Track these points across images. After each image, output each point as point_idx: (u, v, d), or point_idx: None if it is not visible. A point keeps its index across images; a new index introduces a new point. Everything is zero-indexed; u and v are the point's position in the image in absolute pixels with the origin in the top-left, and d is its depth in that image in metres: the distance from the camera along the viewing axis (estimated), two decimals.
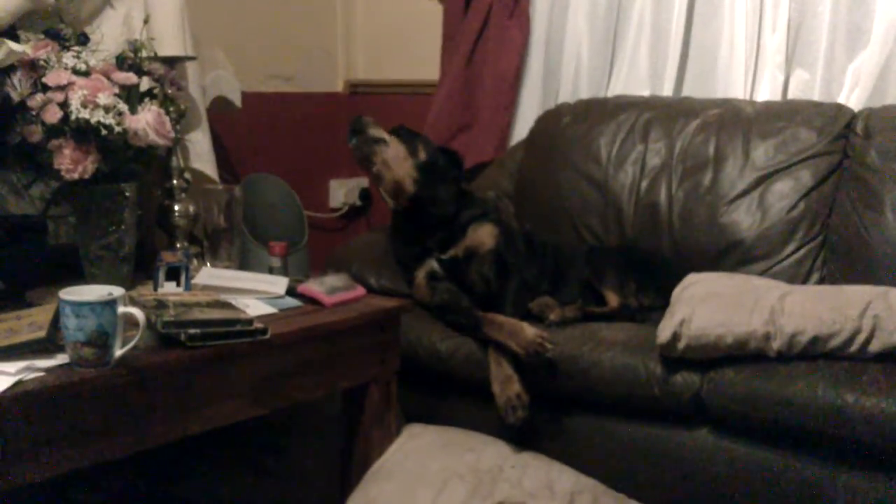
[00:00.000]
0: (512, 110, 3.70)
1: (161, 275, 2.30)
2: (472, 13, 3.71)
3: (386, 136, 2.81)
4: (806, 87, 3.16)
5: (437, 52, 3.89)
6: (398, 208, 2.83)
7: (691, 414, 2.34)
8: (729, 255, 2.88)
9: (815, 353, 2.25)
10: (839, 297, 2.33)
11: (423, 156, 2.82)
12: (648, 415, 2.39)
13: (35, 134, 2.19)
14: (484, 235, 2.79)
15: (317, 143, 4.07)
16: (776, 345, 2.25)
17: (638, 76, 3.46)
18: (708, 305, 2.34)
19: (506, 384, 2.43)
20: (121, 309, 1.81)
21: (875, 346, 2.22)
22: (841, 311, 2.25)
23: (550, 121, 3.39)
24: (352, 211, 4.23)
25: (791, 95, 3.19)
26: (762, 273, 2.79)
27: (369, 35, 4.25)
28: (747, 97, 3.23)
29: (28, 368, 1.74)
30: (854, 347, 2.23)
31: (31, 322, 1.89)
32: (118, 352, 1.82)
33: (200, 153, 2.79)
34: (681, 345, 2.30)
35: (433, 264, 2.75)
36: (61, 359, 1.81)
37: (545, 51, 3.68)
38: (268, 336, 2.04)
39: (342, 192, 4.19)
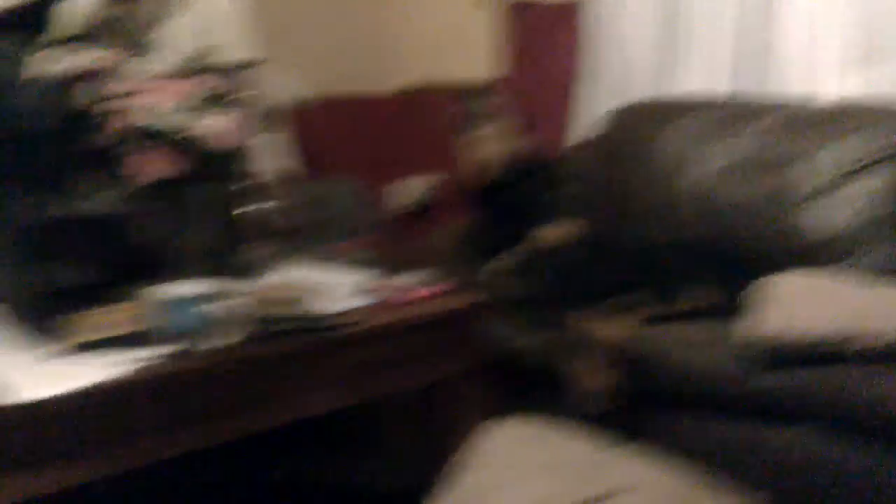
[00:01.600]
0: (570, 111, 3.72)
1: (250, 270, 2.36)
2: (526, 17, 3.75)
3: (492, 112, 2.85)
4: (887, 82, 3.09)
5: (488, 55, 3.95)
6: (484, 189, 2.84)
7: (779, 413, 2.33)
8: (806, 255, 2.82)
9: None
10: None
11: (519, 140, 2.85)
12: (734, 412, 2.39)
13: (108, 139, 2.24)
14: (562, 231, 2.82)
15: (385, 142, 4.10)
16: (857, 345, 2.24)
17: (702, 75, 3.44)
18: (791, 305, 2.34)
19: (590, 377, 2.45)
20: (216, 303, 1.87)
21: None
22: None
23: (619, 120, 3.39)
24: (423, 208, 4.26)
25: (870, 91, 3.13)
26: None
27: (421, 39, 4.30)
28: (823, 94, 3.17)
29: (123, 361, 1.81)
30: None
31: (126, 316, 1.95)
32: (209, 344, 1.88)
33: (277, 152, 2.85)
34: (766, 344, 2.30)
35: (512, 259, 2.77)
36: (157, 351, 1.87)
37: (601, 52, 3.68)
38: (353, 329, 2.11)
39: (412, 190, 4.21)
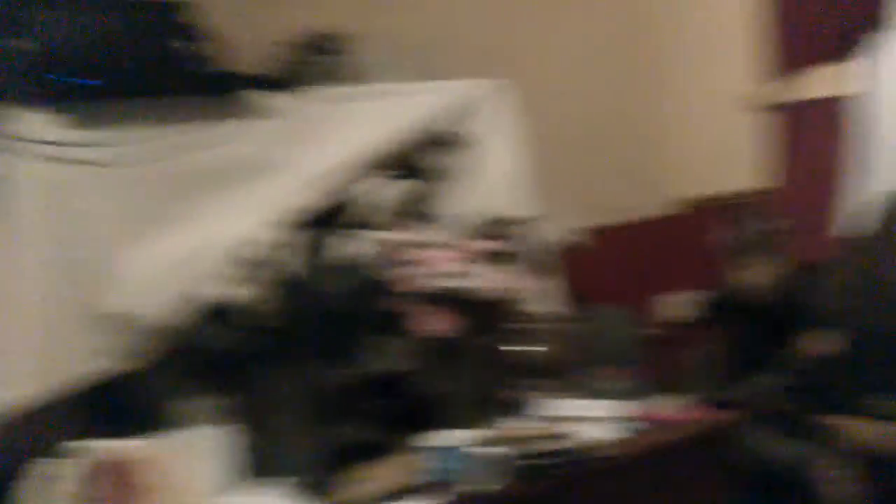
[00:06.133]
0: (837, 206, 3.75)
1: (516, 412, 2.62)
2: (798, 118, 3.85)
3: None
4: None
5: (747, 161, 4.05)
6: (757, 308, 2.93)
7: None
8: None
9: None
10: None
11: (787, 261, 2.97)
12: None
13: (395, 304, 2.60)
14: (822, 341, 2.87)
15: (656, 262, 4.28)
16: None
17: None
18: None
19: (841, 484, 2.52)
20: (475, 450, 2.15)
21: None
22: None
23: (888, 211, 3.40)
24: (687, 324, 4.35)
25: None
26: None
27: (692, 153, 4.41)
28: None
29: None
30: None
31: (404, 467, 2.26)
32: (485, 486, 2.14)
33: (548, 296, 3.11)
34: None
35: (776, 374, 2.88)
36: (441, 497, 2.14)
37: (870, 143, 3.71)
38: (612, 459, 2.31)
39: (681, 306, 4.33)
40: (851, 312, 3.28)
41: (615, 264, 4.06)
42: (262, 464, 2.35)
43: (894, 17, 3.57)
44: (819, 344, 2.90)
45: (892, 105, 3.59)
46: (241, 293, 2.45)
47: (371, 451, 2.40)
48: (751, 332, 2.99)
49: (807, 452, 2.70)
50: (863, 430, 2.56)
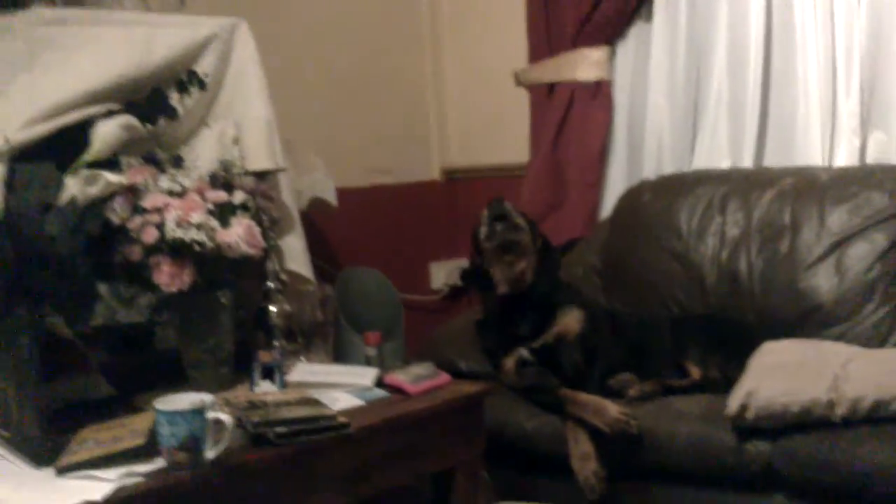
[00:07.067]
0: (599, 188, 3.82)
1: (256, 375, 2.47)
2: (556, 98, 3.85)
3: (523, 221, 2.90)
4: (883, 148, 3.20)
5: (527, 134, 4.04)
6: (505, 295, 2.91)
7: (765, 482, 2.42)
8: (809, 319, 2.93)
9: (878, 417, 2.31)
10: None
11: (539, 242, 2.94)
12: (725, 484, 2.48)
13: (136, 253, 2.40)
14: (572, 321, 2.90)
15: (416, 229, 4.24)
16: (840, 411, 2.33)
17: (719, 148, 3.53)
18: (775, 375, 2.44)
19: (584, 460, 2.54)
20: (210, 415, 1.97)
21: None
22: None
23: (632, 198, 3.50)
24: (453, 292, 4.37)
25: (870, 157, 3.24)
26: (841, 336, 2.84)
27: (462, 123, 4.42)
28: (825, 162, 3.29)
29: (128, 474, 1.90)
30: None
31: (132, 429, 2.06)
32: (210, 454, 1.98)
33: (295, 255, 2.94)
34: (749, 415, 2.39)
35: (523, 352, 2.85)
36: (159, 463, 1.96)
37: (628, 129, 3.80)
38: (350, 430, 2.19)
39: (442, 274, 4.33)
40: (599, 293, 3.35)
41: (378, 227, 3.99)
42: None
43: (662, 3, 3.63)
44: (569, 325, 2.90)
45: (657, 91, 3.66)
46: None
47: (100, 410, 2.23)
48: (511, 306, 2.92)
49: (552, 425, 2.69)
50: (598, 406, 2.58)
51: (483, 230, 2.89)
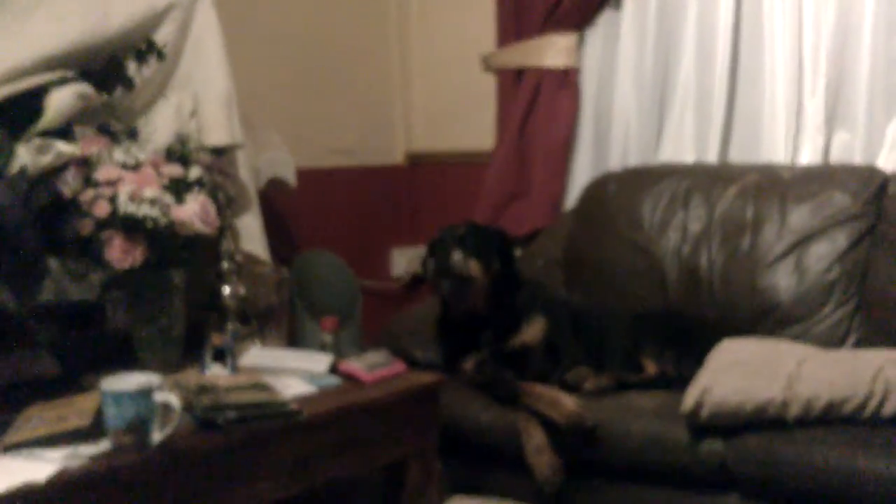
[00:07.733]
0: (564, 178, 3.77)
1: (207, 357, 2.42)
2: (523, 84, 3.80)
3: (474, 271, 2.82)
4: (847, 147, 3.20)
5: (493, 121, 3.99)
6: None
7: (719, 480, 2.40)
8: (767, 318, 2.92)
9: (831, 418, 2.31)
10: (854, 362, 2.41)
11: (495, 266, 2.87)
12: (679, 481, 2.46)
13: (87, 227, 2.33)
14: (536, 331, 2.88)
15: (378, 214, 4.18)
16: (794, 411, 2.32)
17: (685, 142, 3.52)
18: (730, 373, 2.42)
19: (539, 453, 2.52)
20: (158, 397, 1.92)
21: (888, 410, 2.29)
22: (854, 376, 2.33)
23: (596, 189, 3.46)
24: (414, 279, 4.31)
25: (833, 156, 3.23)
26: (800, 335, 2.84)
27: (427, 106, 4.34)
28: (790, 159, 3.28)
29: (72, 455, 1.85)
30: (868, 411, 2.30)
31: (79, 409, 2.00)
32: (157, 437, 1.92)
33: (251, 235, 2.89)
34: (704, 413, 2.37)
35: (484, 355, 2.82)
36: (105, 445, 1.90)
37: (595, 119, 3.76)
38: (301, 417, 2.14)
39: (404, 260, 4.27)
40: (560, 287, 3.32)
41: (338, 210, 3.93)
42: None
43: None
44: (534, 335, 2.89)
45: (624, 81, 3.63)
46: None
47: (48, 389, 2.17)
48: (467, 321, 2.90)
49: (507, 418, 2.66)
50: (553, 398, 2.56)
51: (430, 270, 2.89)
